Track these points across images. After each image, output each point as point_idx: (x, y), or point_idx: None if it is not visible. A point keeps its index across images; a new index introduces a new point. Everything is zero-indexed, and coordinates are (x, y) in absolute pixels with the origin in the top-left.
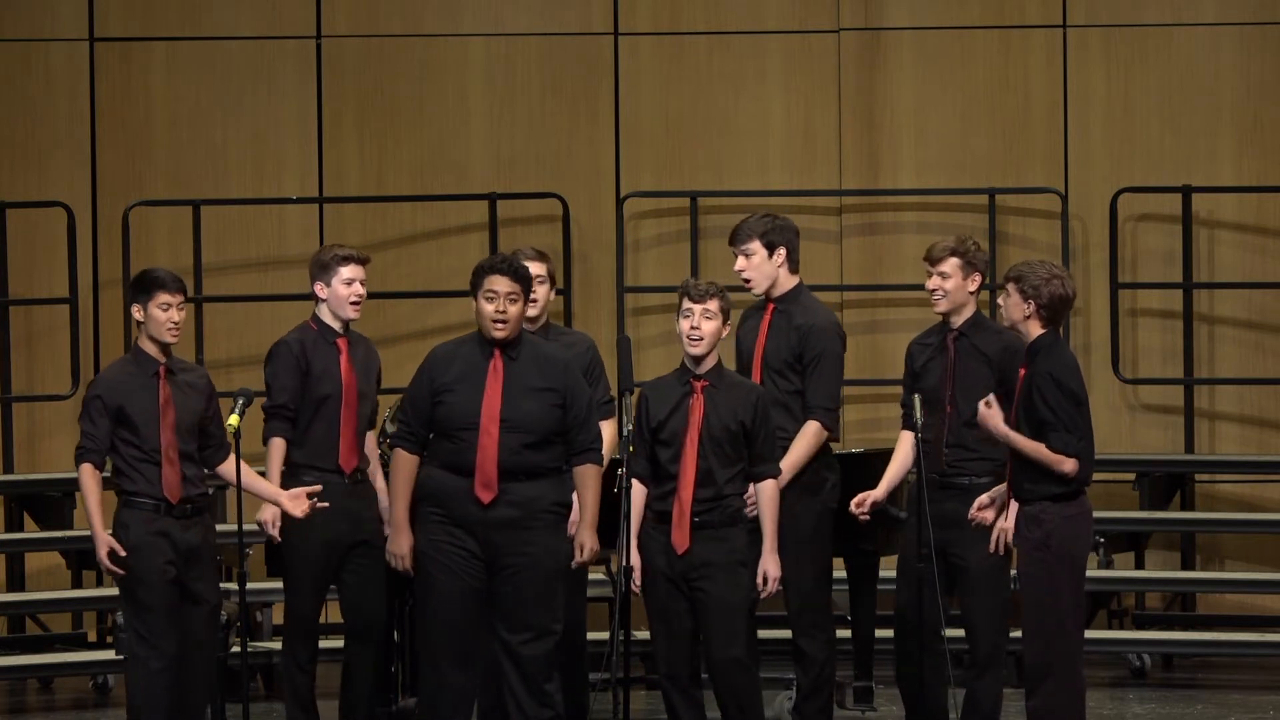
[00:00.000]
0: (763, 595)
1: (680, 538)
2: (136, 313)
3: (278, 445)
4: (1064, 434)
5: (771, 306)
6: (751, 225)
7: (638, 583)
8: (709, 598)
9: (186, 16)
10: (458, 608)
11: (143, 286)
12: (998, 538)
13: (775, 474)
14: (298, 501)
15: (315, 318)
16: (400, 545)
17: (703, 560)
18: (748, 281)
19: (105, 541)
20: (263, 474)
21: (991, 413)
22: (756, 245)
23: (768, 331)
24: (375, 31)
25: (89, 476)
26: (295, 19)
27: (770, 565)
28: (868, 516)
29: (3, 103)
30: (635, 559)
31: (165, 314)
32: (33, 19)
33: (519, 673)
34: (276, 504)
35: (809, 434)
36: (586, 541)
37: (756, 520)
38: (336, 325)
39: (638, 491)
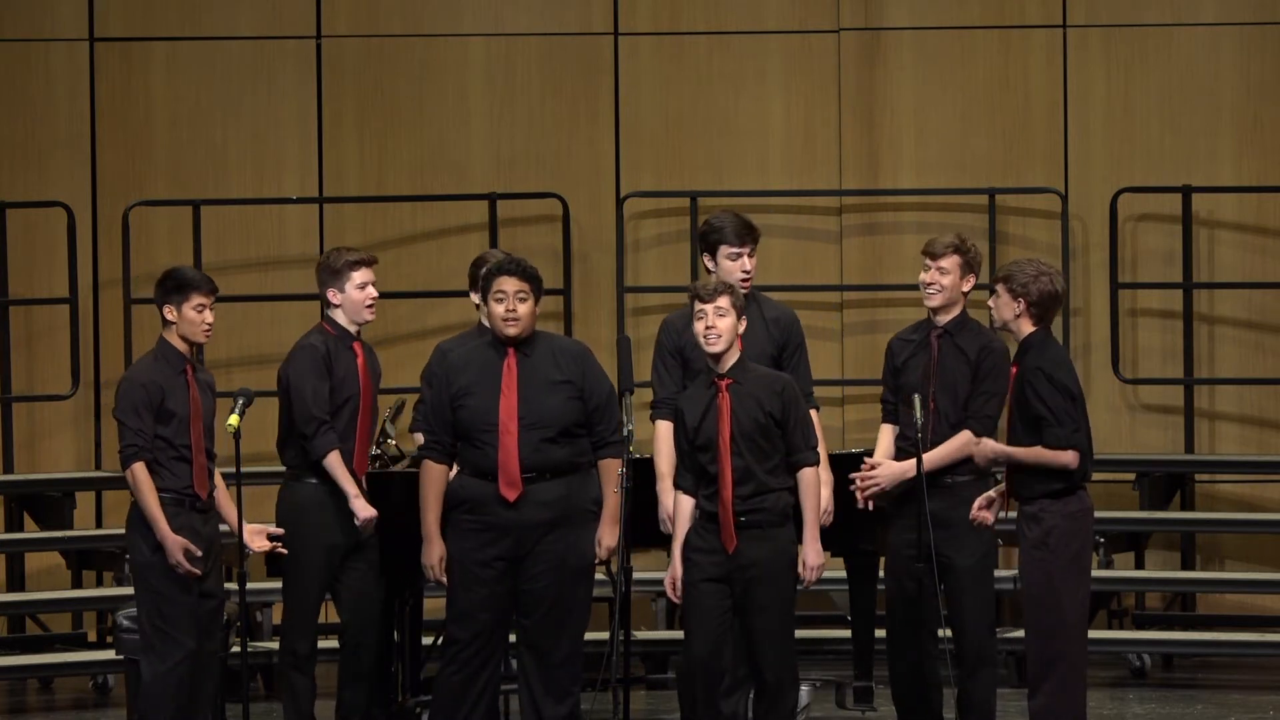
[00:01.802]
0: (804, 584)
1: (726, 537)
2: (168, 313)
3: (337, 457)
4: (1058, 428)
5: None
6: (754, 225)
7: (677, 595)
8: (757, 600)
9: (186, 16)
10: (483, 618)
11: (176, 286)
12: (979, 521)
13: (814, 461)
14: (258, 537)
15: (330, 320)
16: (431, 555)
17: (750, 560)
18: (749, 281)
19: (179, 543)
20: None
21: (980, 448)
22: (754, 246)
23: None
24: (375, 31)
25: (144, 475)
26: (295, 19)
27: (811, 554)
28: (880, 485)
29: (3, 103)
30: (678, 569)
31: (200, 315)
32: (33, 19)
33: (541, 671)
34: (242, 532)
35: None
36: (605, 538)
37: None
38: (352, 329)
39: (686, 504)
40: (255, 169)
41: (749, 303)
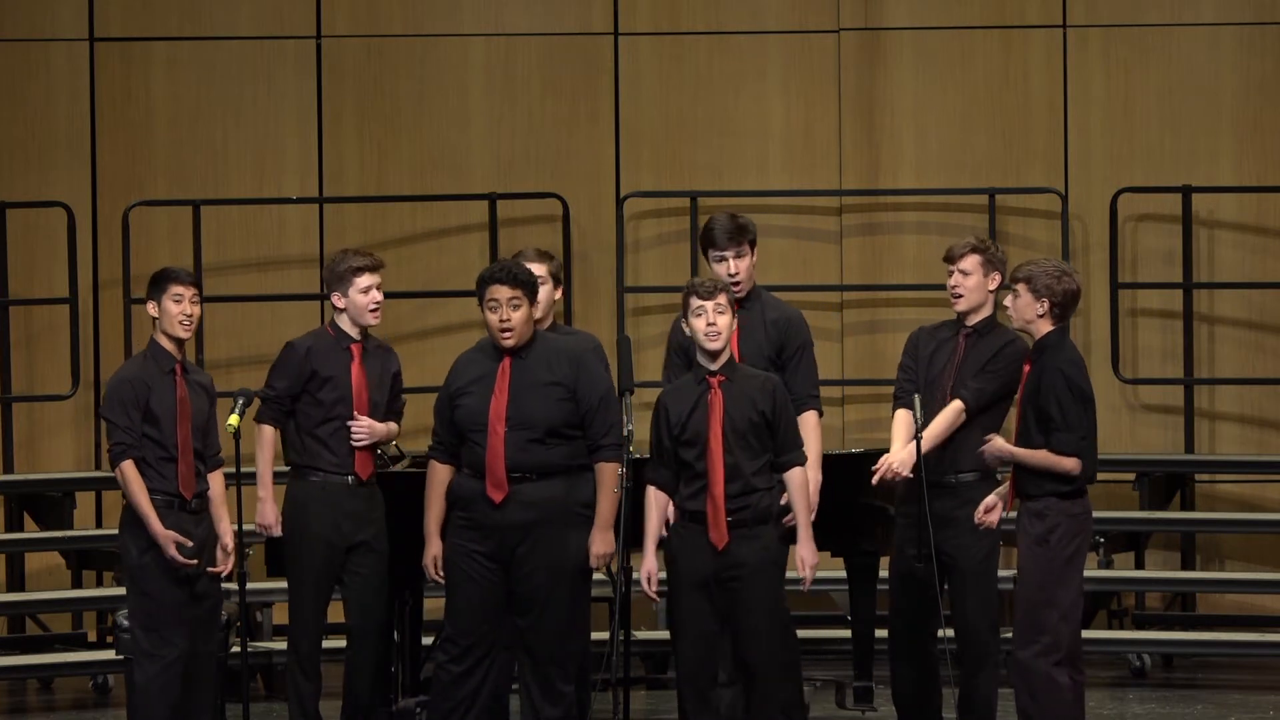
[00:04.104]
0: (804, 586)
1: (718, 535)
2: (151, 309)
3: (268, 432)
4: (1065, 434)
5: (736, 305)
6: (745, 227)
7: (653, 590)
8: (745, 599)
9: (186, 16)
10: (477, 616)
11: (155, 280)
12: (984, 525)
13: (802, 461)
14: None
15: (333, 323)
16: (428, 555)
17: (737, 560)
18: (739, 284)
19: (171, 537)
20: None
21: (988, 447)
22: (747, 248)
23: (740, 329)
24: (375, 31)
25: (133, 473)
26: (295, 19)
27: (807, 553)
28: (903, 474)
29: (3, 103)
30: (652, 564)
31: (178, 306)
32: (33, 19)
33: (535, 671)
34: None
35: (813, 425)
36: (596, 545)
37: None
38: (354, 332)
39: (659, 500)
40: (255, 169)
41: (752, 303)
